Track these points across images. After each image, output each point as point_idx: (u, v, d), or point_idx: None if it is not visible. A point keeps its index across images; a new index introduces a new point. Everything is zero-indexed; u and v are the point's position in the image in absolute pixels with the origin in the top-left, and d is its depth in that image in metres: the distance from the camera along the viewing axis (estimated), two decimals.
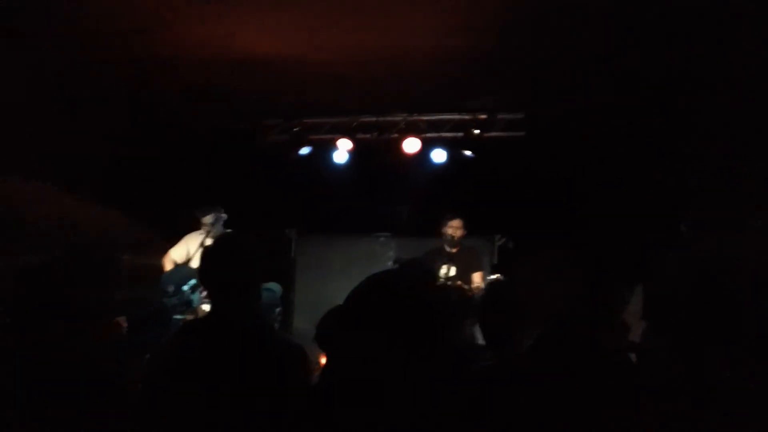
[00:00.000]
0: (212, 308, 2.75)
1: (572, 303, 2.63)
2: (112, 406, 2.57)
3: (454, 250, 6.99)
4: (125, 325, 3.81)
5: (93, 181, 7.18)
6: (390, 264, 7.67)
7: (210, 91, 7.34)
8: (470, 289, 6.55)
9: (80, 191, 7.09)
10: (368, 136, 8.24)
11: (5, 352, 2.61)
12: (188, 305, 5.61)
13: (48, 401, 2.49)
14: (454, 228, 6.96)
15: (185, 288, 5.74)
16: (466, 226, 7.03)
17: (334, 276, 9.01)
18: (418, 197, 8.84)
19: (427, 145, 8.18)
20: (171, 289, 5.76)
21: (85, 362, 2.64)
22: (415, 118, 8.15)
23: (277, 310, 5.35)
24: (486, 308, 3.19)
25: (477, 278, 6.83)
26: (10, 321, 2.73)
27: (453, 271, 6.83)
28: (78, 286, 2.86)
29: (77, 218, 7.22)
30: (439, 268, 6.81)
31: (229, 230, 6.43)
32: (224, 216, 6.60)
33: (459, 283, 6.72)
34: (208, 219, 6.59)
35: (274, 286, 5.02)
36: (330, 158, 8.41)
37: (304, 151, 8.38)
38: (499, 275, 6.62)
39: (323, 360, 3.78)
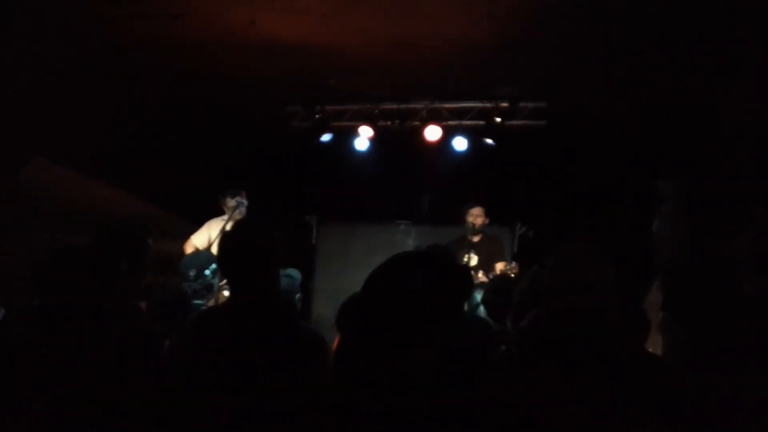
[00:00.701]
0: (231, 295, 2.74)
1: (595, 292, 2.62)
2: (136, 390, 2.59)
3: (476, 239, 6.96)
4: (145, 310, 3.82)
5: (119, 165, 7.23)
6: None
7: (232, 76, 7.36)
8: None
9: (108, 175, 7.15)
10: (389, 123, 8.21)
11: (34, 335, 2.63)
12: (210, 290, 5.63)
13: (74, 384, 2.52)
14: (474, 216, 6.94)
15: (207, 273, 5.75)
16: (488, 214, 6.99)
17: (354, 263, 9.03)
18: (439, 185, 8.82)
19: (449, 133, 8.15)
20: (192, 273, 5.78)
21: (114, 345, 2.66)
22: (437, 105, 8.11)
23: (297, 296, 5.36)
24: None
25: (500, 266, 6.81)
26: (39, 304, 2.75)
27: (474, 260, 6.81)
28: (110, 270, 2.88)
29: (105, 201, 7.30)
30: (461, 256, 6.79)
31: (249, 216, 6.43)
32: (245, 202, 6.60)
33: (480, 273, 6.71)
34: (231, 203, 6.60)
35: (294, 272, 5.02)
36: (351, 145, 8.40)
37: (326, 137, 8.38)
38: (514, 264, 6.58)
39: None
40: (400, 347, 1.81)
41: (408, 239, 9.16)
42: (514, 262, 6.63)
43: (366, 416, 1.81)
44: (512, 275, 6.57)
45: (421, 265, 1.92)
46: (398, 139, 8.33)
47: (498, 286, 4.78)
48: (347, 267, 9.06)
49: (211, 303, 5.41)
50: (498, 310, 4.53)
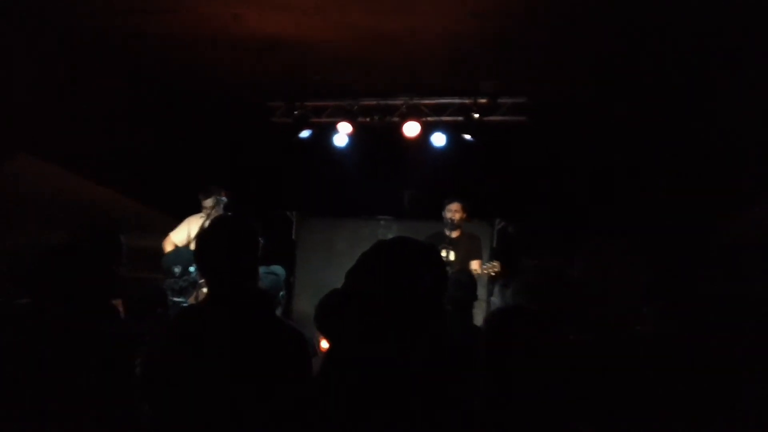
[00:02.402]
0: (208, 292, 2.71)
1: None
2: (118, 387, 2.58)
3: (454, 235, 6.96)
4: (122, 307, 3.80)
5: (94, 160, 7.18)
6: None
7: (214, 71, 7.33)
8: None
9: (82, 170, 7.09)
10: (369, 119, 8.22)
11: (25, 332, 2.61)
12: (194, 287, 5.59)
13: (59, 381, 2.51)
14: (452, 211, 6.94)
15: (192, 269, 5.71)
16: (466, 209, 6.99)
17: (334, 259, 9.03)
18: (419, 181, 8.84)
19: (429, 129, 8.16)
20: (178, 270, 5.74)
21: (95, 343, 2.65)
22: (416, 101, 8.12)
23: (281, 294, 5.33)
24: None
25: (475, 266, 6.81)
26: (29, 302, 2.73)
27: (452, 256, 6.81)
28: (88, 267, 2.86)
29: (85, 196, 7.24)
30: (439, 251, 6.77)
31: (228, 213, 6.41)
32: (224, 199, 6.58)
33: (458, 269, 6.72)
34: (208, 202, 6.58)
35: (278, 270, 4.98)
36: (331, 141, 8.40)
37: (305, 134, 8.38)
38: (496, 262, 6.58)
39: (323, 344, 3.79)
40: (392, 339, 1.80)
41: (389, 234, 9.15)
42: (495, 261, 6.62)
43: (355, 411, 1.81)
44: (492, 274, 6.58)
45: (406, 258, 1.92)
46: (378, 135, 8.34)
47: (461, 281, 4.81)
48: (327, 262, 9.06)
49: (191, 300, 5.37)
50: (462, 304, 4.58)
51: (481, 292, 7.09)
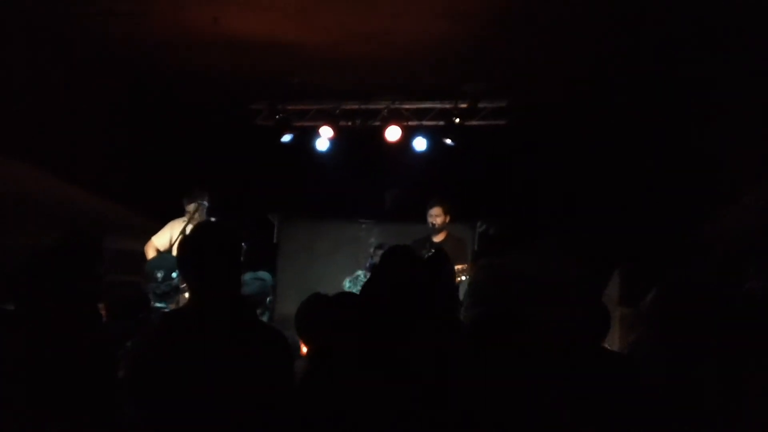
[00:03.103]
0: (190, 298, 2.70)
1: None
2: (100, 390, 2.59)
3: (438, 239, 6.97)
4: (104, 311, 3.79)
5: (81, 162, 7.16)
6: (372, 250, 7.66)
7: (195, 75, 7.33)
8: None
9: (63, 173, 7.06)
10: (351, 123, 8.25)
11: (11, 338, 2.61)
12: (177, 291, 5.58)
13: (45, 387, 2.51)
14: (433, 216, 6.94)
15: (175, 275, 5.69)
16: (447, 212, 7.01)
17: (315, 261, 9.05)
18: (400, 184, 8.87)
19: (410, 133, 8.20)
20: (160, 275, 5.71)
21: (79, 348, 2.65)
22: (398, 106, 8.16)
23: (269, 299, 5.31)
24: None
25: (458, 269, 6.82)
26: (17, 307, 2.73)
27: None
28: (72, 271, 2.86)
29: (67, 199, 7.20)
30: (423, 256, 6.78)
31: (211, 218, 6.41)
32: (206, 204, 6.58)
33: None
34: (191, 207, 6.57)
35: (265, 275, 4.96)
36: (313, 144, 8.41)
37: (286, 138, 8.39)
38: (467, 265, 6.57)
39: (304, 348, 3.81)
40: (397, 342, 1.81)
41: (370, 237, 9.18)
42: (465, 264, 6.62)
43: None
44: (463, 278, 6.57)
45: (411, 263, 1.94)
46: (360, 139, 8.36)
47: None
48: (309, 265, 9.07)
49: (173, 305, 5.37)
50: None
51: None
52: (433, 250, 6.69)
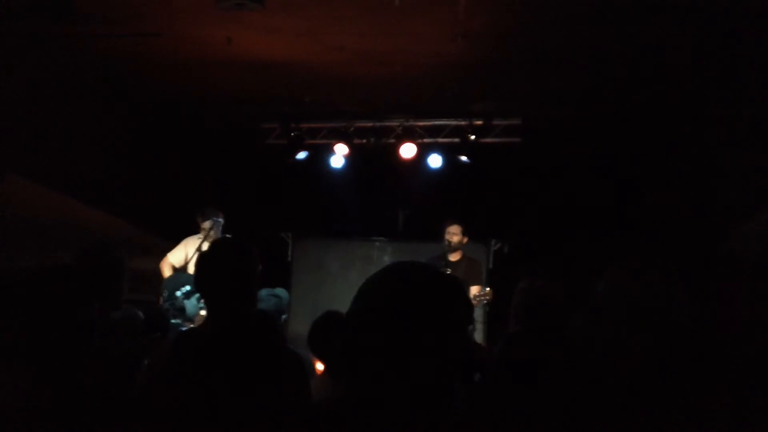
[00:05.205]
0: (207, 315, 2.72)
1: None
2: (117, 410, 2.58)
3: (454, 258, 6.92)
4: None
5: (94, 182, 7.19)
6: None
7: (208, 94, 7.37)
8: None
9: (83, 193, 7.10)
10: (365, 141, 8.26)
11: (18, 355, 2.61)
12: (181, 312, 5.60)
13: (55, 404, 2.51)
14: (451, 234, 6.90)
15: (178, 294, 5.72)
16: (465, 232, 6.95)
17: (329, 280, 9.04)
18: (414, 202, 8.87)
19: (424, 151, 8.21)
20: (165, 294, 5.77)
21: (93, 366, 2.65)
22: (412, 123, 8.17)
23: (284, 317, 5.30)
24: None
25: (474, 291, 6.75)
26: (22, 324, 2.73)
27: None
28: (89, 290, 2.86)
29: (80, 219, 7.24)
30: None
31: (227, 235, 6.43)
32: (221, 221, 6.60)
33: None
34: (206, 224, 6.60)
35: (282, 292, 4.94)
36: (327, 162, 8.43)
37: (301, 155, 8.40)
38: (488, 289, 6.52)
39: (318, 365, 3.80)
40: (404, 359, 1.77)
41: (384, 256, 9.18)
42: (488, 288, 6.56)
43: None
44: (485, 301, 6.52)
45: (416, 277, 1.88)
46: (374, 157, 8.37)
47: None
48: (323, 284, 9.06)
49: (187, 324, 5.38)
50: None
51: (478, 313, 7.08)
52: (448, 269, 6.69)
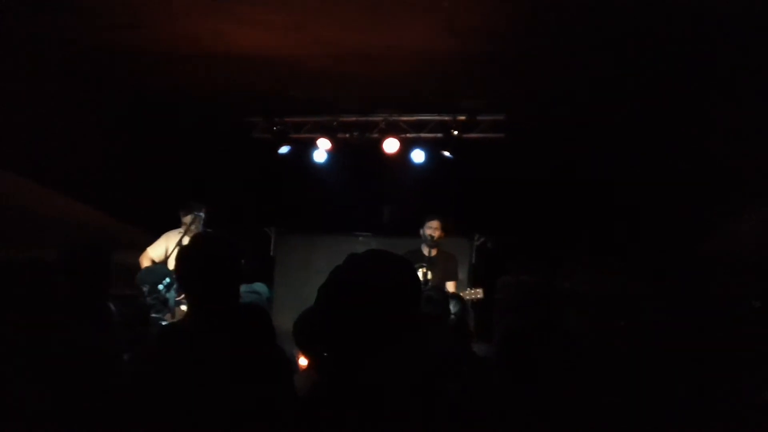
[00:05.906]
0: (188, 310, 2.70)
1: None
2: (103, 402, 2.56)
3: (432, 253, 6.93)
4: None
5: (77, 174, 7.14)
6: None
7: (193, 87, 7.32)
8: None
9: (67, 185, 7.05)
10: (349, 135, 8.24)
11: (8, 349, 2.59)
12: (164, 304, 5.55)
13: (43, 397, 2.49)
14: (432, 228, 6.91)
15: (161, 287, 5.67)
16: (445, 227, 6.98)
17: (312, 275, 8.99)
18: (398, 197, 8.86)
19: (408, 146, 8.20)
20: (146, 288, 5.70)
21: (80, 359, 2.63)
22: (396, 118, 8.16)
23: None
24: None
25: (450, 287, 6.77)
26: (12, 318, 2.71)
27: (429, 275, 6.76)
28: (76, 283, 2.84)
29: (63, 211, 7.18)
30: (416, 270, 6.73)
31: (207, 230, 6.38)
32: (203, 215, 6.55)
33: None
34: (187, 219, 6.56)
35: (261, 287, 4.91)
36: (311, 157, 8.40)
37: (284, 150, 8.38)
38: (480, 289, 6.54)
39: (301, 360, 3.78)
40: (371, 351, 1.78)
41: None
42: (480, 288, 6.57)
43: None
44: (476, 298, 6.53)
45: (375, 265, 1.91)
46: (358, 151, 8.36)
47: (432, 297, 4.81)
48: (306, 279, 9.01)
49: (168, 317, 5.35)
50: (433, 320, 4.57)
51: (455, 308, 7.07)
52: (424, 264, 6.70)
